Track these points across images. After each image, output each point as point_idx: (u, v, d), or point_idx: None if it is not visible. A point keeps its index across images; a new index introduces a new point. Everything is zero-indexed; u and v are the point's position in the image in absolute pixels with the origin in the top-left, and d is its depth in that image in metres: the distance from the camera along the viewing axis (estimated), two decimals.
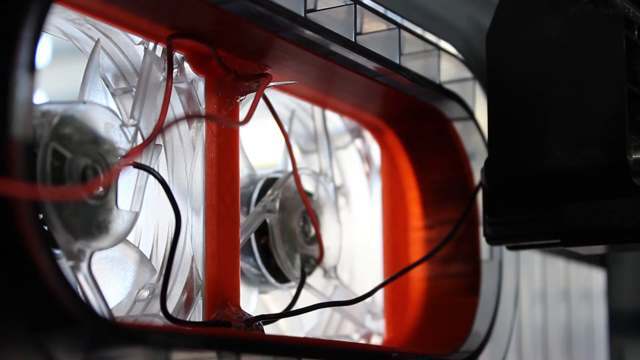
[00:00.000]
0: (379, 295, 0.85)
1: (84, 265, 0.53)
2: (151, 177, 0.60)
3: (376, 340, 0.84)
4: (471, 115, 0.82)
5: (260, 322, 0.64)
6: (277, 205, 0.73)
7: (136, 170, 0.59)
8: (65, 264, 0.52)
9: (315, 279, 0.78)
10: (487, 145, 0.75)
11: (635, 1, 0.66)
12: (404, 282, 0.84)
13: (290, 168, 0.75)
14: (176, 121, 0.63)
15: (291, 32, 0.63)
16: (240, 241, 0.66)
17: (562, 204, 0.66)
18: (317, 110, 0.82)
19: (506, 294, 0.85)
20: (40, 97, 0.50)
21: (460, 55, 0.82)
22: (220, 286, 0.63)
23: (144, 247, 0.63)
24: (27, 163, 0.44)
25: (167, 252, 0.62)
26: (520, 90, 0.67)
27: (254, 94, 0.65)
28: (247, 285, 0.75)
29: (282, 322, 0.80)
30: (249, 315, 0.64)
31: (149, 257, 0.62)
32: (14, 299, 0.44)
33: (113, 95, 0.62)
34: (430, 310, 0.84)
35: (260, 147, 0.91)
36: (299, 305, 0.72)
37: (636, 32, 0.65)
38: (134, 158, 0.59)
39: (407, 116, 0.83)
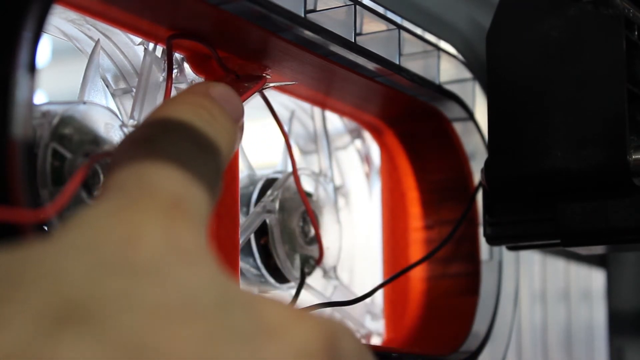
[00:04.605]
0: (379, 295, 0.85)
1: None
2: None
3: (376, 341, 0.84)
4: (471, 116, 0.82)
5: None
6: (277, 205, 0.73)
7: None
8: None
9: (315, 279, 0.78)
10: (487, 145, 0.75)
11: (635, 1, 0.66)
12: (403, 282, 0.84)
13: (290, 168, 0.75)
14: None
15: (291, 33, 0.63)
16: (240, 241, 0.66)
17: (562, 204, 0.66)
18: (317, 110, 0.82)
19: (506, 294, 0.84)
20: (40, 97, 0.50)
21: (460, 56, 0.82)
22: None
23: None
24: (27, 163, 0.44)
25: None
26: (520, 90, 0.67)
27: (254, 94, 0.65)
28: (246, 286, 0.75)
29: None
30: None
31: None
32: None
33: (113, 95, 0.62)
34: (430, 310, 0.84)
35: (260, 147, 0.90)
36: (298, 305, 0.72)
37: (636, 32, 0.65)
38: None
39: (406, 116, 0.83)
